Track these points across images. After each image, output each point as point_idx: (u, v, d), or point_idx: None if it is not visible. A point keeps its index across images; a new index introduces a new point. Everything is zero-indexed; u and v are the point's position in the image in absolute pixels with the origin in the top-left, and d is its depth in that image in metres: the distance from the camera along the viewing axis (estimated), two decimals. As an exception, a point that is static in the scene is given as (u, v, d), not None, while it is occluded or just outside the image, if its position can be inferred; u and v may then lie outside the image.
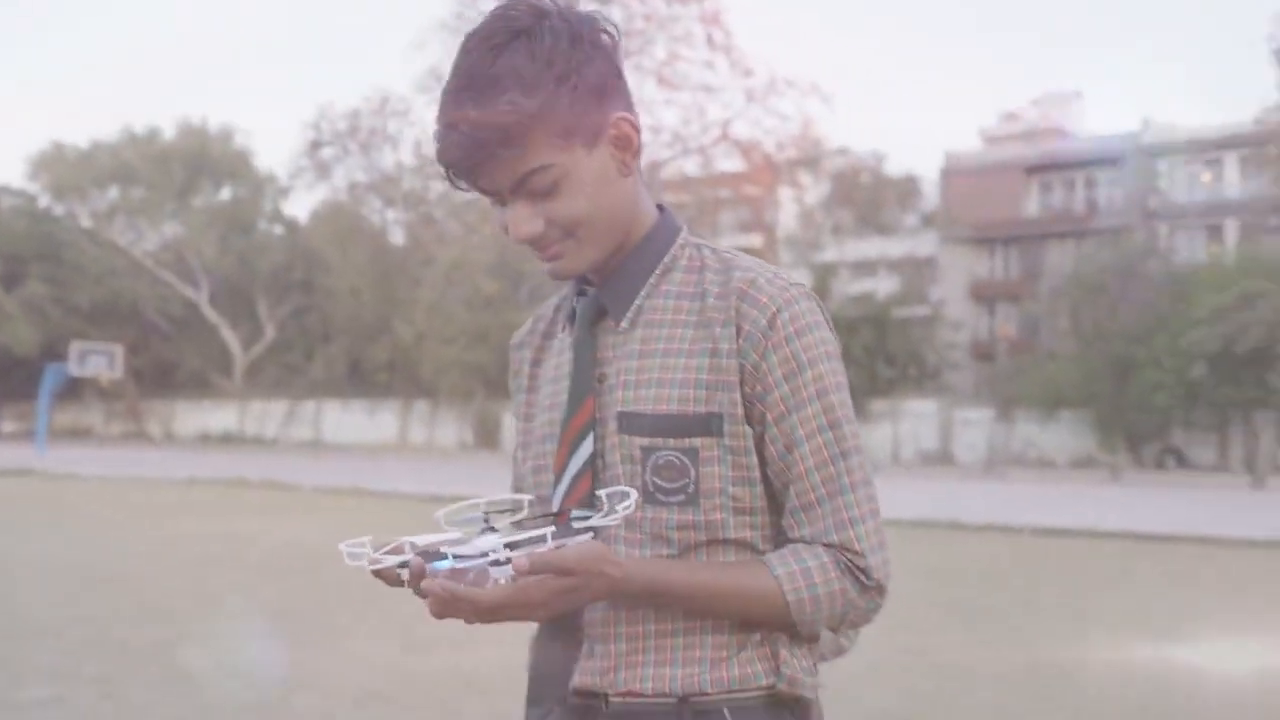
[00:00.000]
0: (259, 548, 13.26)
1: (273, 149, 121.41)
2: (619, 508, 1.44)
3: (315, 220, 56.41)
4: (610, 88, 1.53)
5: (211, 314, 58.19)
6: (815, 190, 49.83)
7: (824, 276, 48.33)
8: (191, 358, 58.86)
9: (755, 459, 1.54)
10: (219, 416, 58.81)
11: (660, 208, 1.66)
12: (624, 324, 1.59)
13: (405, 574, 1.43)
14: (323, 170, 49.06)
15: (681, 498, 1.52)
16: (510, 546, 1.36)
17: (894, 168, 55.38)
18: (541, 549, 1.36)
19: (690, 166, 48.60)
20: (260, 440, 56.15)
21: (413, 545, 1.45)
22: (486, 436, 52.16)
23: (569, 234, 1.53)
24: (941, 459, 45.02)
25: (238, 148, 60.82)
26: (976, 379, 49.93)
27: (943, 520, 18.05)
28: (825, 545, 1.53)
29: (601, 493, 1.51)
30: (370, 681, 6.74)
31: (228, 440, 55.85)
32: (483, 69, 1.46)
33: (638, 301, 1.60)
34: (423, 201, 47.27)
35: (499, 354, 48.77)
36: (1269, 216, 43.87)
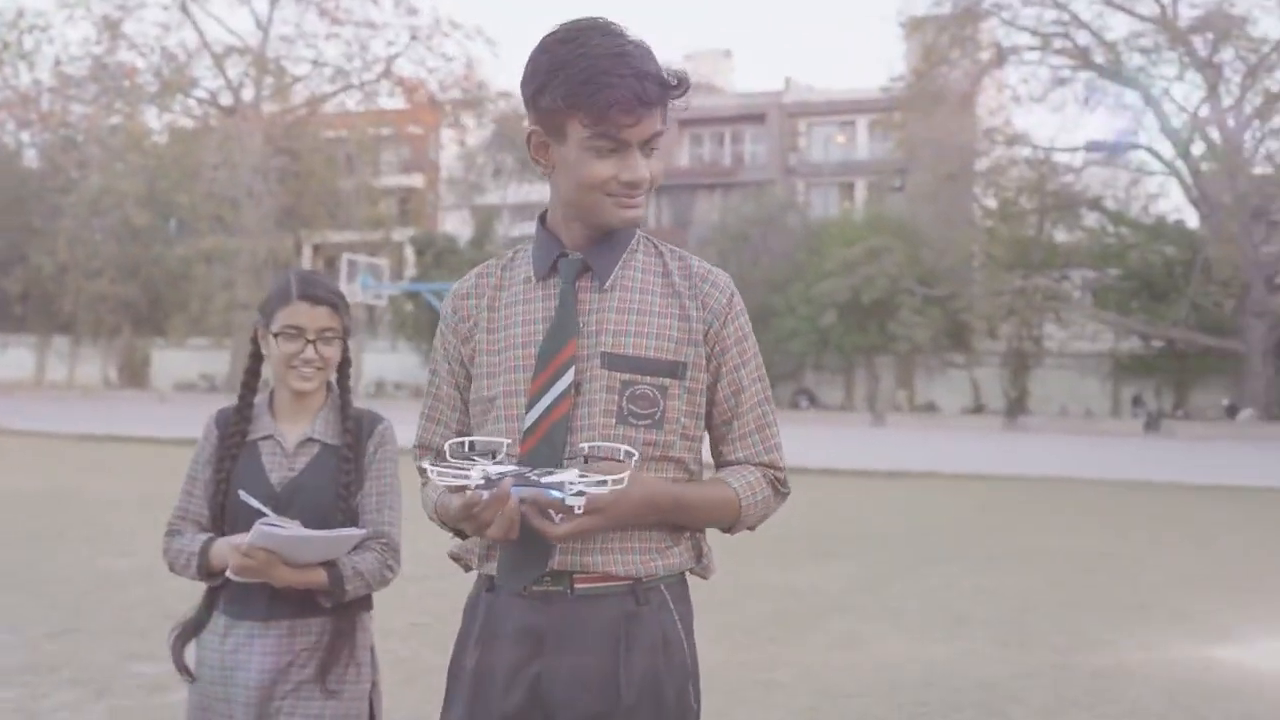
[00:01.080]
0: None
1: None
2: (624, 474, 1.89)
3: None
4: None
5: None
6: (478, 133, 50.13)
7: (486, 219, 48.84)
8: None
9: (703, 400, 2.10)
10: None
11: None
12: (607, 285, 2.08)
13: (485, 494, 1.83)
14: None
15: (649, 422, 2.03)
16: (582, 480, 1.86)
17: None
18: (601, 490, 1.85)
19: (351, 102, 47.90)
20: None
21: (485, 472, 1.86)
22: (133, 374, 49.90)
23: (645, 190, 2.03)
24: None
25: None
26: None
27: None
28: (756, 464, 2.12)
29: (585, 445, 1.98)
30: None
31: None
32: (638, 48, 1.96)
33: (616, 269, 2.09)
34: (63, 124, 44.41)
35: (148, 288, 46.78)
36: (894, 178, 47.62)
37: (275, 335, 2.75)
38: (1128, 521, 13.65)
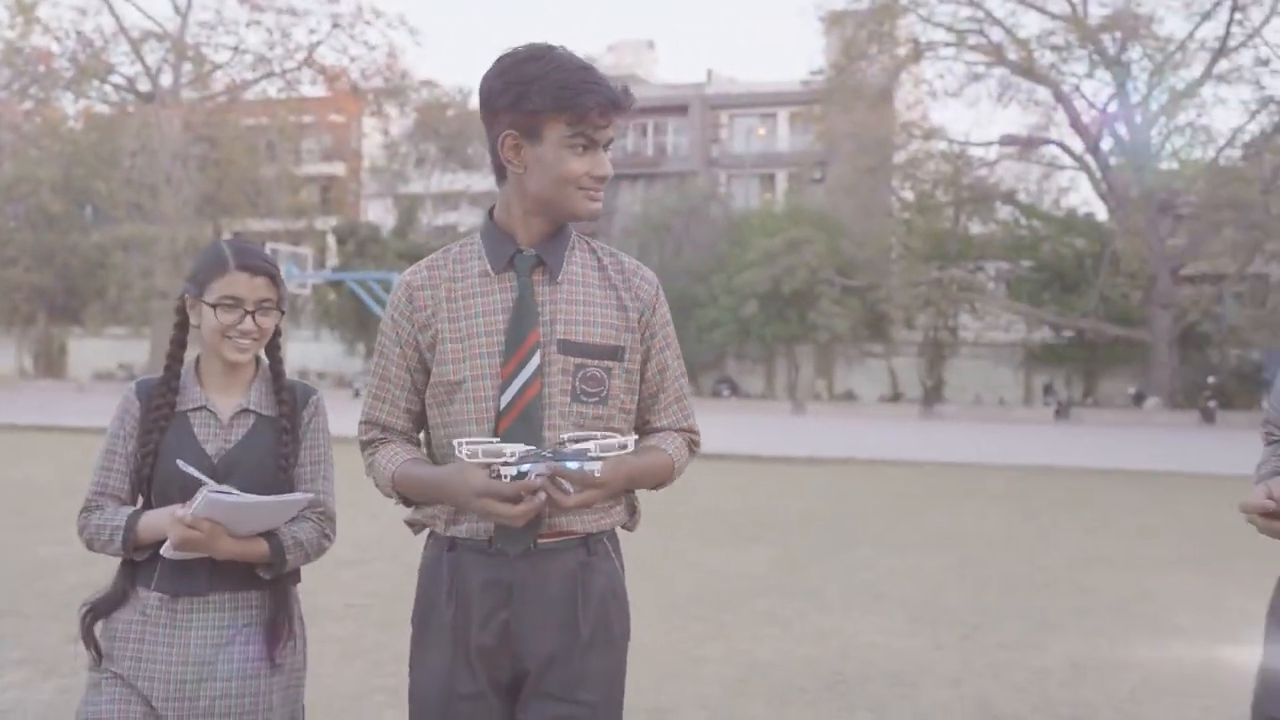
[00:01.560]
0: None
1: None
2: (629, 440, 2.29)
3: None
4: None
5: None
6: (401, 122, 49.94)
7: (410, 208, 48.67)
8: None
9: (636, 378, 2.45)
10: None
11: None
12: (558, 278, 2.39)
13: (510, 477, 2.17)
14: None
15: (596, 399, 2.37)
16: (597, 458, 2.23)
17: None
18: (623, 454, 2.27)
19: (273, 90, 47.46)
20: None
21: (518, 454, 2.20)
22: (49, 364, 49.09)
23: (605, 185, 2.38)
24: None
25: None
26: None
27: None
28: (678, 430, 2.53)
29: (565, 436, 2.30)
30: None
31: None
32: (593, 65, 2.35)
33: (563, 264, 2.41)
34: (-25, 111, 43.56)
35: (64, 276, 46.01)
36: (814, 170, 48.24)
37: (212, 305, 2.65)
38: (1035, 505, 14.22)
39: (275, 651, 2.66)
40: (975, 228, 42.75)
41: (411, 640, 2.47)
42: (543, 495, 2.20)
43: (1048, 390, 41.72)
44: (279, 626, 2.68)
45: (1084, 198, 51.69)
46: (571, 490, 2.22)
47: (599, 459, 2.23)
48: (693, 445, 2.56)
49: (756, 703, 5.63)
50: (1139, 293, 38.56)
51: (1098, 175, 39.22)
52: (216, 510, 2.48)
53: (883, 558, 9.93)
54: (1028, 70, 38.36)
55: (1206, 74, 36.90)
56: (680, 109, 56.02)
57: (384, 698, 5.30)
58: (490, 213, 2.46)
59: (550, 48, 2.32)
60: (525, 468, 2.19)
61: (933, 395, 41.43)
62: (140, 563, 2.64)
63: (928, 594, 8.45)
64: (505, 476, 2.19)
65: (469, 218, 51.58)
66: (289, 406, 2.72)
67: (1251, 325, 36.54)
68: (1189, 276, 38.75)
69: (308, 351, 48.07)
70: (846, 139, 41.04)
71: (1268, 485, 2.32)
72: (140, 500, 2.71)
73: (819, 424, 32.15)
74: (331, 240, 48.73)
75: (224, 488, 2.53)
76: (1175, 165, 37.75)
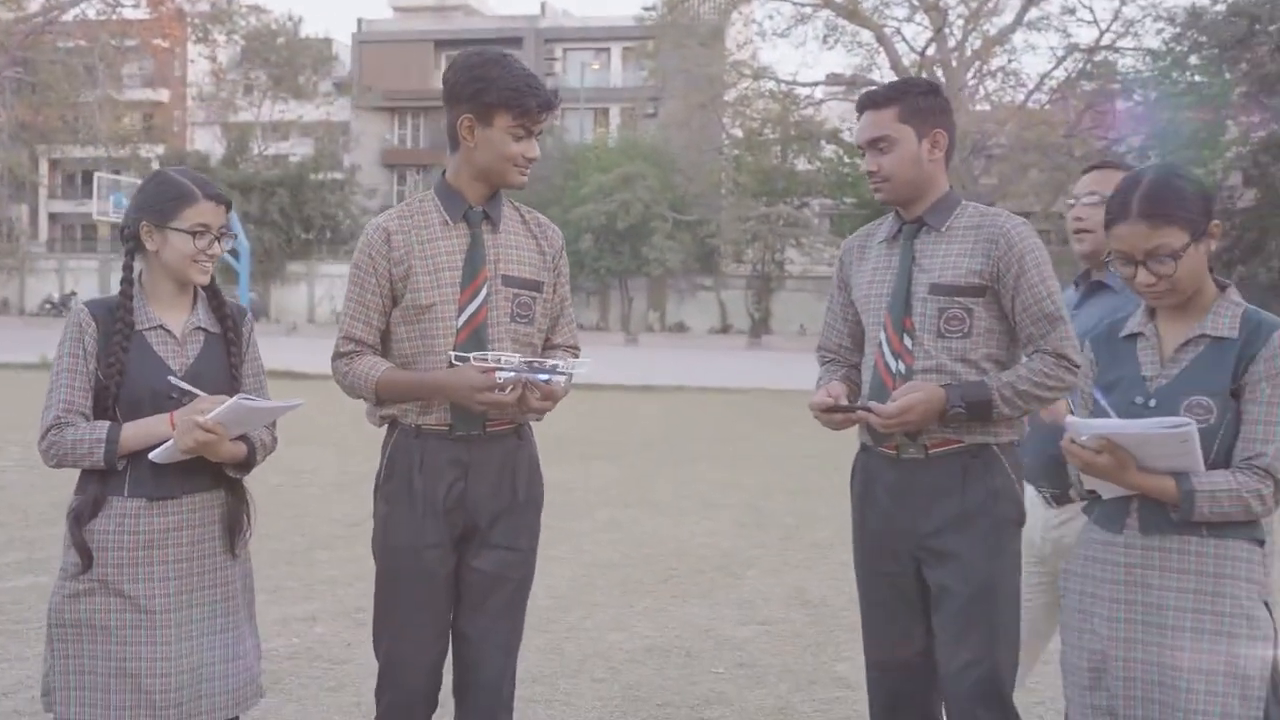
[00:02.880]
0: None
1: None
2: (581, 361, 3.19)
3: None
4: None
5: None
6: (228, 49, 48.76)
7: (240, 137, 47.75)
8: None
9: (549, 305, 3.24)
10: None
11: None
12: (498, 230, 3.16)
13: (507, 376, 2.91)
14: None
15: (527, 320, 3.16)
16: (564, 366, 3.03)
17: (309, 31, 55.26)
18: (580, 371, 3.08)
19: (92, 12, 45.74)
20: None
21: (506, 359, 2.97)
22: None
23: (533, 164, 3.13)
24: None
25: None
26: (387, 244, 51.52)
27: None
28: (568, 347, 3.30)
29: (516, 355, 3.03)
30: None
31: None
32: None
33: (501, 219, 3.18)
34: None
35: None
36: (646, 105, 48.91)
37: (187, 232, 2.88)
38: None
39: (235, 542, 2.98)
40: (801, 165, 44.06)
41: (377, 509, 3.18)
42: (519, 392, 2.96)
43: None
44: (237, 520, 2.99)
45: (904, 137, 53.63)
46: (539, 395, 3.00)
47: (564, 374, 3.02)
48: (573, 354, 3.36)
49: (599, 593, 6.49)
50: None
51: (916, 116, 40.82)
52: (231, 415, 2.80)
53: (713, 472, 10.91)
54: (852, 13, 39.50)
55: (1018, 21, 38.62)
56: (514, 41, 55.89)
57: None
58: (443, 175, 3.19)
59: (505, 55, 3.10)
60: (511, 375, 2.95)
61: (760, 326, 42.87)
62: (110, 474, 2.85)
63: (753, 501, 9.45)
64: (500, 378, 2.94)
65: (301, 147, 50.85)
66: (233, 322, 3.02)
67: (1058, 261, 38.80)
68: (1000, 214, 40.78)
69: (134, 283, 46.88)
70: (679, 75, 41.72)
71: (827, 388, 3.17)
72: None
73: (652, 354, 33.17)
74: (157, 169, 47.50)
75: (248, 395, 2.89)
76: (988, 108, 39.60)
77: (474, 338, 3.09)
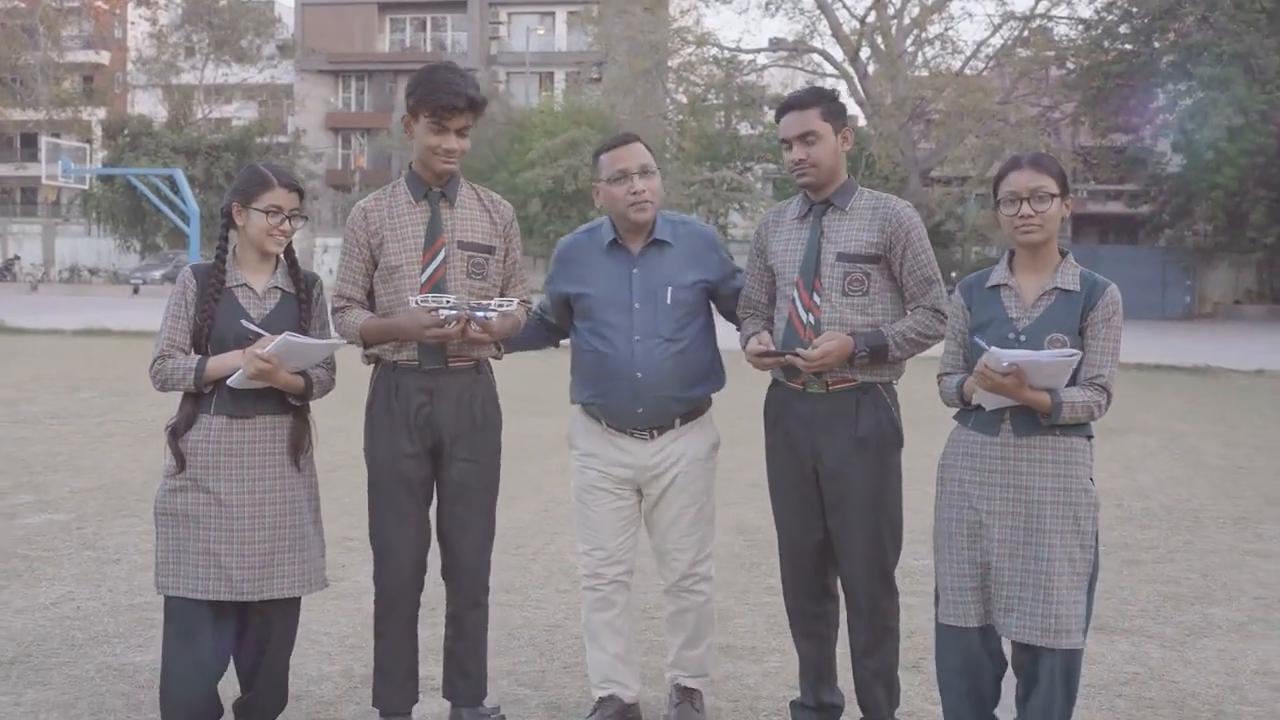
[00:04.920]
0: None
1: None
2: (514, 300, 3.92)
3: None
4: None
5: None
6: (169, 11, 48.58)
7: (183, 99, 47.58)
8: None
9: (502, 266, 3.97)
10: None
11: None
12: (454, 205, 3.87)
13: (449, 314, 3.58)
14: None
15: (481, 277, 3.90)
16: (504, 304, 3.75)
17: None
18: (510, 309, 3.82)
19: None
20: None
21: (451, 302, 3.62)
22: None
23: (457, 155, 3.80)
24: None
25: None
26: (334, 207, 51.79)
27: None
28: (521, 300, 3.99)
29: (452, 297, 3.73)
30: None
31: None
32: (464, 78, 3.73)
33: (457, 196, 3.90)
34: None
35: None
36: (591, 70, 49.26)
37: (263, 211, 3.58)
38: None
39: (299, 457, 3.69)
40: (745, 130, 44.70)
41: (366, 427, 3.93)
42: (459, 327, 3.66)
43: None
44: (300, 438, 3.70)
45: (845, 104, 54.44)
46: (478, 329, 3.71)
47: (494, 312, 3.74)
48: (526, 307, 4.06)
49: (559, 523, 7.18)
50: (892, 194, 41.16)
51: (856, 83, 41.59)
52: (282, 349, 3.45)
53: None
54: (794, -20, 40.18)
55: (955, -11, 39.57)
56: (459, 5, 56.05)
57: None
58: (410, 166, 3.94)
59: (445, 67, 3.84)
60: (451, 312, 3.66)
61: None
62: (200, 396, 3.59)
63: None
64: (441, 315, 3.65)
65: (245, 111, 50.74)
66: (305, 285, 3.77)
67: (990, 225, 39.80)
68: (937, 179, 41.76)
69: (78, 247, 46.76)
70: (623, 41, 42.14)
71: (758, 337, 3.87)
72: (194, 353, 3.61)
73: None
74: (99, 133, 47.30)
75: (294, 334, 3.53)
76: (926, 74, 40.46)
77: (434, 291, 3.79)
